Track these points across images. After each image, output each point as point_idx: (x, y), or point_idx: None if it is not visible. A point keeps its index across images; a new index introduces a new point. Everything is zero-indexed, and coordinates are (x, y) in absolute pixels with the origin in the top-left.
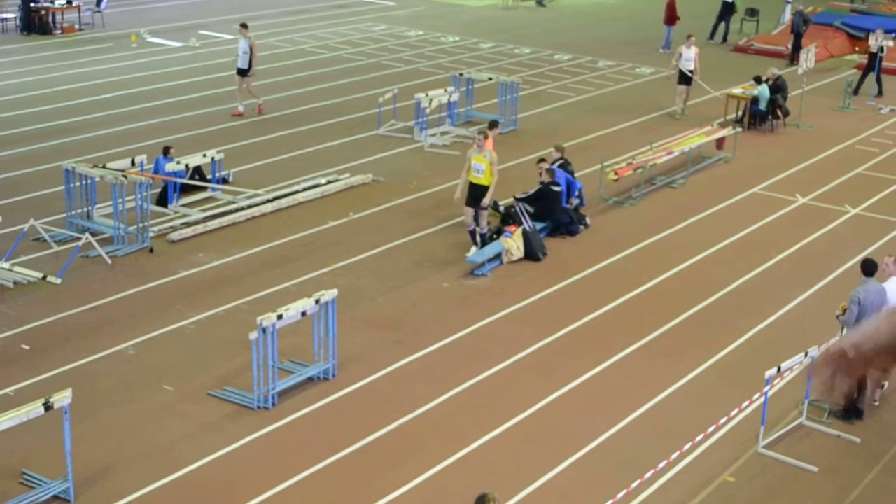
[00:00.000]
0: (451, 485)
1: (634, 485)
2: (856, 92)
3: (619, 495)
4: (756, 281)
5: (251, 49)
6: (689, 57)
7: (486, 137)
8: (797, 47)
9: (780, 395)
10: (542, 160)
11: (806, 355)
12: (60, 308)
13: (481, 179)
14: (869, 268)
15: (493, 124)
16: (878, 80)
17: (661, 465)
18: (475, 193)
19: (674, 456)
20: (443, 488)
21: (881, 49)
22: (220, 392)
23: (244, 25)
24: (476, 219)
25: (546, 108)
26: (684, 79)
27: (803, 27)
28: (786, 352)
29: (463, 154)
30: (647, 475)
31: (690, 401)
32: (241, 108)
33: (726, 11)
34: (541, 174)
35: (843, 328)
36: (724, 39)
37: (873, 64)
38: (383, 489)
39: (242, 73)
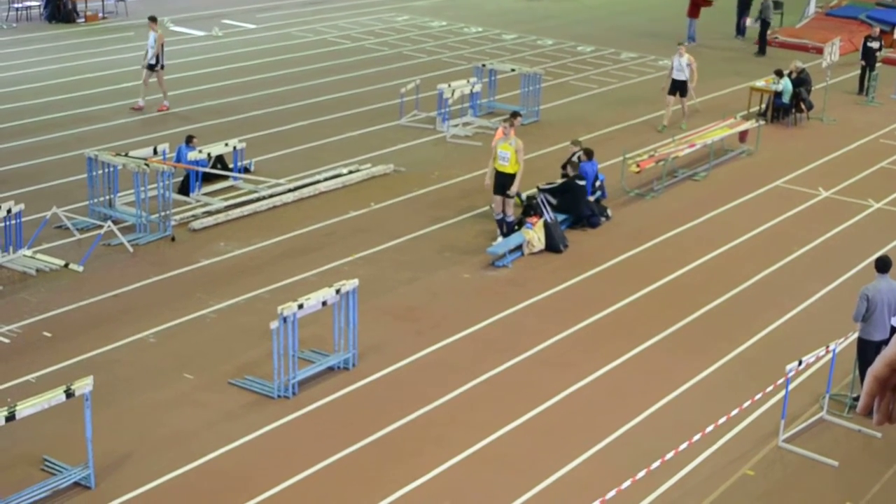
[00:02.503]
0: (469, 476)
1: (641, 475)
2: (860, 91)
3: (628, 486)
4: (778, 274)
5: (157, 43)
6: (679, 66)
7: (511, 125)
8: (764, 35)
9: (801, 388)
10: (575, 142)
11: (827, 349)
12: (82, 296)
13: (506, 167)
14: (883, 265)
15: (515, 115)
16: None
17: (668, 456)
18: (501, 181)
19: (683, 447)
20: (461, 479)
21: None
22: (241, 381)
23: (153, 19)
24: (503, 207)
25: (568, 99)
26: (676, 89)
27: (759, 15)
28: (807, 345)
29: (485, 145)
30: (654, 465)
31: (711, 394)
32: (141, 103)
33: (744, 5)
34: (569, 159)
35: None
36: (742, 33)
37: (871, 62)
38: (402, 479)
39: (150, 67)
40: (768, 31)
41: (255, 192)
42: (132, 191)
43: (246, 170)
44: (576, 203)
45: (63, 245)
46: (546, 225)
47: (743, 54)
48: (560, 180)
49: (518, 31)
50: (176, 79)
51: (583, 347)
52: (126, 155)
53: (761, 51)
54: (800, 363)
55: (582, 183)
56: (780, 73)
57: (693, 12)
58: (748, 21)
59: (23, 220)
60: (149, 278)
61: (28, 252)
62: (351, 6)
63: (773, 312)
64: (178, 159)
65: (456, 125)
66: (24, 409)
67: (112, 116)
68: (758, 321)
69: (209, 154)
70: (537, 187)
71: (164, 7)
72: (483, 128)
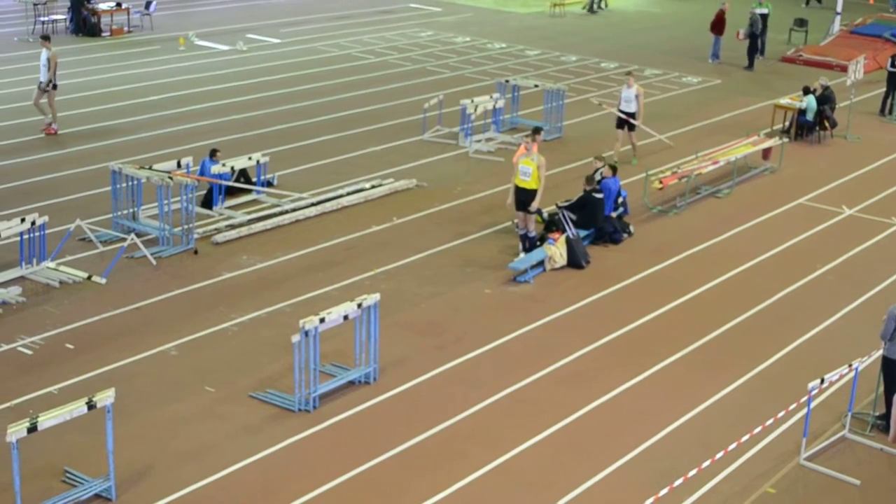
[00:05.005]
0: (489, 491)
1: (663, 493)
2: (882, 111)
3: None
4: (800, 292)
5: (49, 62)
6: (628, 98)
7: (533, 141)
8: (752, 49)
9: (823, 406)
10: (598, 157)
11: (850, 367)
12: (105, 308)
13: (528, 183)
14: None
15: (537, 131)
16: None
17: (690, 474)
18: (521, 198)
19: (705, 464)
20: (481, 495)
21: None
22: (262, 394)
23: (45, 38)
24: (525, 223)
25: (592, 115)
26: (623, 122)
27: (748, 29)
28: (829, 363)
29: (508, 160)
30: (677, 483)
31: (733, 412)
32: (54, 126)
33: (763, 23)
34: (592, 175)
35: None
36: (762, 52)
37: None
38: (422, 494)
39: (41, 87)
40: (758, 45)
41: (278, 205)
42: (156, 204)
43: (269, 184)
44: (594, 216)
45: (86, 257)
46: (568, 241)
47: (765, 72)
48: (577, 196)
49: (542, 48)
50: (200, 93)
51: (604, 364)
52: (150, 168)
53: (750, 65)
54: (822, 381)
55: (599, 196)
56: (807, 91)
57: (717, 29)
58: (740, 34)
59: (46, 232)
60: (171, 291)
61: (51, 264)
62: (375, 21)
63: (795, 330)
64: (202, 173)
65: (479, 140)
66: (46, 420)
67: (136, 130)
68: (780, 339)
69: (233, 168)
70: (556, 205)
71: (189, 21)
72: (506, 143)
